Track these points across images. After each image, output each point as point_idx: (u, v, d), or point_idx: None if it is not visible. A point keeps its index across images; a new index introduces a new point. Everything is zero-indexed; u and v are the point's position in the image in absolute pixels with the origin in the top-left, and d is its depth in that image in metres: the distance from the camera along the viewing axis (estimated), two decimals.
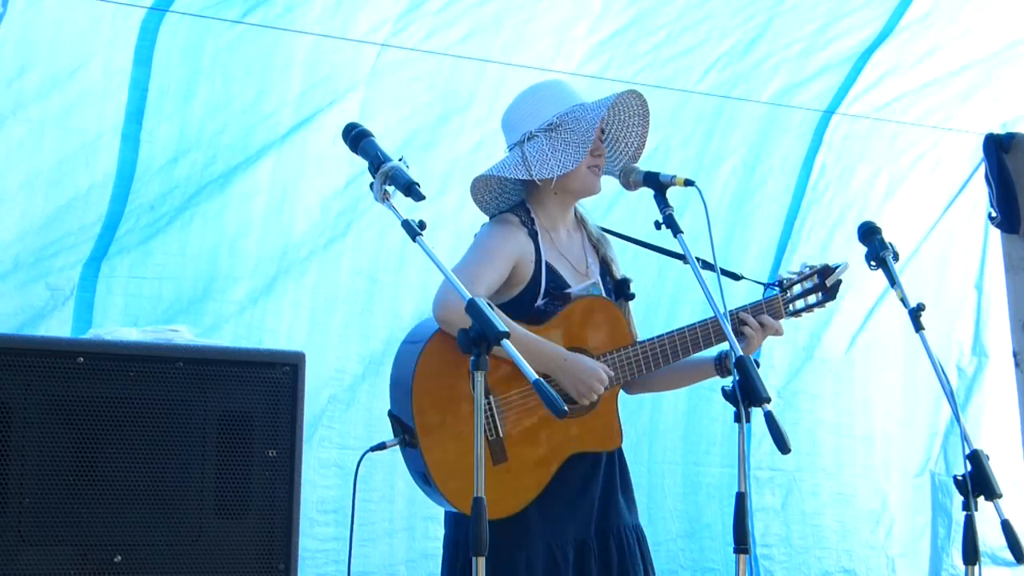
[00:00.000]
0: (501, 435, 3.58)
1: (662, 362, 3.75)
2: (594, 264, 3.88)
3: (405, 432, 3.56)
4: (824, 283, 3.94)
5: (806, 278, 3.92)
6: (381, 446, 3.65)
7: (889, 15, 5.58)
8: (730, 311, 3.72)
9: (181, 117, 4.71)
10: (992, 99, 6.20)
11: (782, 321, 3.87)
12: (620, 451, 3.84)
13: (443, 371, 3.56)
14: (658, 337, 3.75)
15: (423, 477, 3.59)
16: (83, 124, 4.55)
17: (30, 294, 4.52)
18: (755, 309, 3.82)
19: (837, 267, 3.96)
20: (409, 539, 5.21)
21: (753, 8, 5.37)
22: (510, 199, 3.87)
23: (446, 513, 3.75)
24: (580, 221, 3.93)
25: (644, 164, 3.82)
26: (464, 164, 5.11)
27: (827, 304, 3.97)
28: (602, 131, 3.82)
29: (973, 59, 5.88)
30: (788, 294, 3.89)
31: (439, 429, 3.55)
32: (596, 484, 3.73)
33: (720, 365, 3.81)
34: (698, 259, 3.56)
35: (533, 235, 3.77)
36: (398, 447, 3.62)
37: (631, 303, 3.92)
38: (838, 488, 6.27)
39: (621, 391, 3.85)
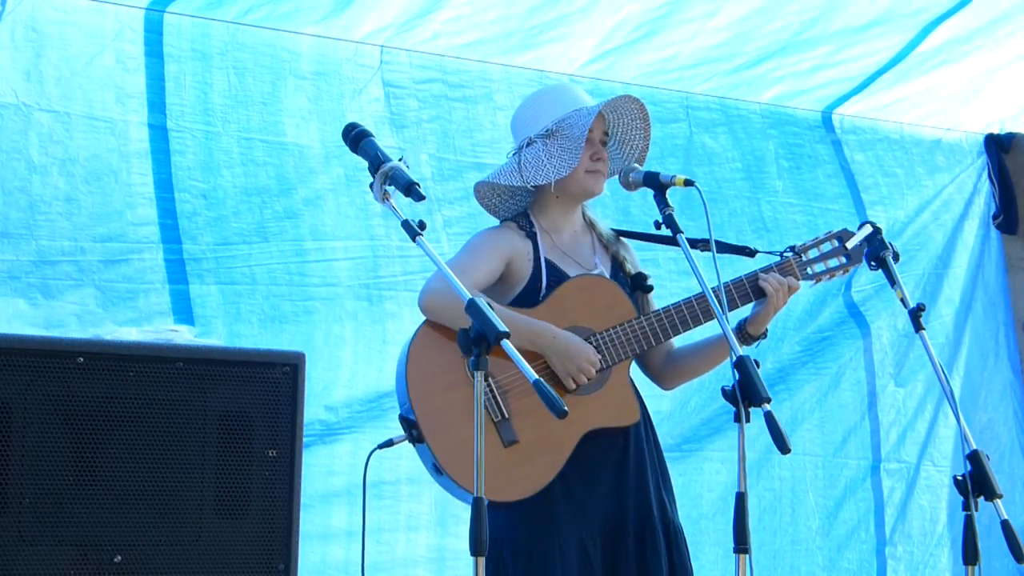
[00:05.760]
0: (507, 415, 3.55)
1: (671, 333, 3.71)
2: (603, 263, 3.86)
3: (412, 428, 3.55)
4: (844, 246, 3.91)
5: (822, 242, 3.91)
6: (389, 443, 3.63)
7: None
8: (745, 275, 3.75)
9: (203, 107, 4.73)
10: (992, 99, 6.19)
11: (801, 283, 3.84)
12: (656, 443, 3.80)
13: (433, 360, 3.57)
14: (662, 309, 3.73)
15: (436, 468, 3.55)
16: (108, 113, 4.56)
17: (110, 292, 4.51)
18: (766, 271, 3.80)
19: (858, 230, 3.91)
20: None
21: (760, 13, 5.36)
22: (520, 203, 3.89)
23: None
24: (590, 224, 3.93)
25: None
26: None
27: (851, 268, 3.93)
28: (605, 134, 3.82)
29: (974, 59, 5.88)
30: (803, 257, 3.88)
31: (440, 417, 3.53)
32: (628, 469, 3.67)
33: (741, 332, 3.78)
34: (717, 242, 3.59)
35: (532, 236, 3.78)
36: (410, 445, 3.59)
37: (651, 296, 3.89)
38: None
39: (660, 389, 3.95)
